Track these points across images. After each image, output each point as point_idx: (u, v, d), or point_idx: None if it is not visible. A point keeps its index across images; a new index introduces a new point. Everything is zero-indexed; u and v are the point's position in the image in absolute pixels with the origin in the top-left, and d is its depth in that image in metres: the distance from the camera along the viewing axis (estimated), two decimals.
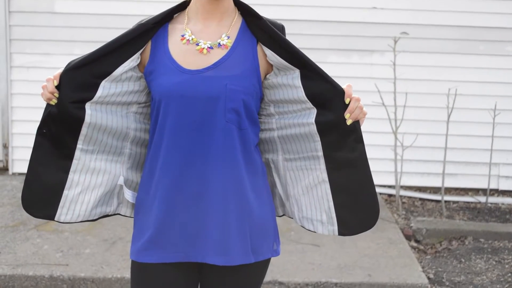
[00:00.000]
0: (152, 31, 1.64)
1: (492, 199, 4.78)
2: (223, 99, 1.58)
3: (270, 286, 3.16)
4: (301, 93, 1.61)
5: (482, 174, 4.83)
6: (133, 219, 1.76)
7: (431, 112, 4.78)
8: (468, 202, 4.77)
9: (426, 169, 4.88)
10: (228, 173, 1.61)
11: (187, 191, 1.61)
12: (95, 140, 1.65)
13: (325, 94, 1.59)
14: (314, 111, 1.61)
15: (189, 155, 1.60)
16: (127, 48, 1.61)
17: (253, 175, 1.65)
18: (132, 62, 1.62)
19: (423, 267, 3.62)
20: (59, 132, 1.62)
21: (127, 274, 3.17)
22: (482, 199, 4.76)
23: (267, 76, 1.66)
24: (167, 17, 1.67)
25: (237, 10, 1.68)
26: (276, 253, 1.72)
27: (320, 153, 1.64)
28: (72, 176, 1.65)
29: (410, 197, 4.83)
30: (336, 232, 1.68)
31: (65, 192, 1.65)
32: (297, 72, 1.61)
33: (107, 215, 1.75)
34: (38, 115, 5.63)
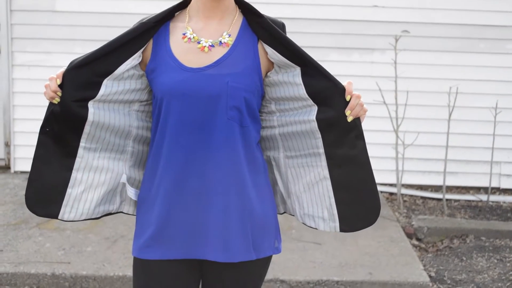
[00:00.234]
0: (153, 29, 1.65)
1: (494, 198, 4.78)
2: (225, 96, 1.58)
3: (272, 284, 3.17)
4: (301, 91, 1.62)
5: (483, 172, 4.83)
6: (135, 217, 1.77)
7: (432, 111, 4.78)
8: (469, 201, 4.77)
9: (428, 168, 4.88)
10: (230, 170, 1.61)
11: (189, 188, 1.62)
12: (97, 138, 1.66)
13: (325, 91, 1.60)
14: (315, 108, 1.62)
15: (191, 153, 1.61)
16: (129, 47, 1.62)
17: (254, 172, 1.66)
18: (134, 60, 1.63)
19: (424, 266, 3.63)
20: (62, 130, 1.63)
21: (129, 272, 3.17)
22: (484, 197, 4.77)
23: (268, 73, 1.67)
24: (169, 15, 1.67)
25: (238, 8, 1.69)
26: (278, 250, 1.72)
27: (321, 150, 1.64)
28: (75, 175, 1.66)
29: (411, 196, 4.83)
30: (338, 229, 1.68)
31: (69, 190, 1.66)
32: (297, 70, 1.62)
33: (110, 213, 1.76)
34: (39, 114, 5.63)
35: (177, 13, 1.71)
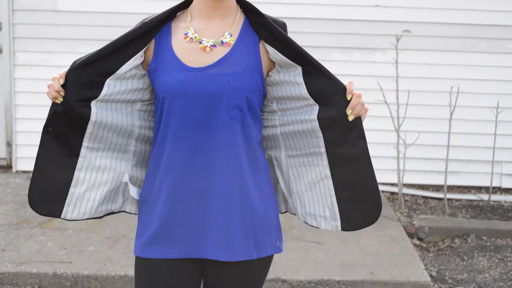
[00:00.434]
0: (155, 29, 1.65)
1: (495, 197, 4.78)
2: (226, 96, 1.59)
3: (273, 284, 3.17)
4: (303, 90, 1.62)
5: (484, 172, 4.83)
6: (136, 216, 1.77)
7: (434, 110, 4.78)
8: (470, 200, 4.77)
9: (429, 167, 4.88)
10: (232, 170, 1.62)
11: (191, 188, 1.62)
12: (100, 137, 1.67)
13: (326, 90, 1.60)
14: (316, 107, 1.63)
15: (193, 152, 1.61)
16: (131, 46, 1.63)
17: (256, 171, 1.66)
18: (136, 60, 1.64)
19: (425, 265, 3.63)
20: (65, 130, 1.64)
21: (130, 272, 3.18)
22: (485, 197, 4.77)
23: (270, 73, 1.68)
24: (171, 15, 1.68)
25: (239, 8, 1.69)
26: (279, 249, 1.73)
27: (323, 149, 1.65)
28: (78, 174, 1.67)
29: (412, 195, 4.83)
30: (339, 228, 1.69)
31: (71, 189, 1.67)
32: (299, 69, 1.62)
33: (113, 212, 1.77)
34: (41, 113, 5.65)
35: (179, 13, 1.71)
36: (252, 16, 1.66)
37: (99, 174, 1.69)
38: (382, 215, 1.67)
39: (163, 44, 1.66)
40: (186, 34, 1.65)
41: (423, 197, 4.81)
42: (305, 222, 1.75)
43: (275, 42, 1.62)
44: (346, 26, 4.73)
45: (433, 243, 4.04)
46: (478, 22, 4.71)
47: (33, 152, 5.35)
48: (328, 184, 1.67)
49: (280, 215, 1.78)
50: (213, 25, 1.66)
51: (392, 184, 4.82)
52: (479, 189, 4.93)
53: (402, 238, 3.81)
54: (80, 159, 1.67)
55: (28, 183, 4.66)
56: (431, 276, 3.47)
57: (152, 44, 1.67)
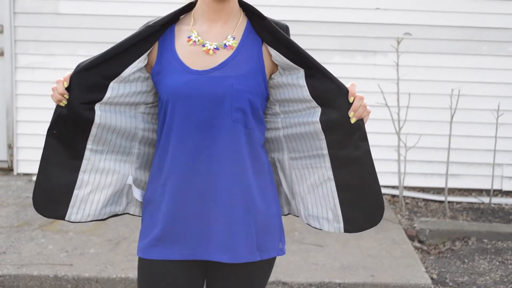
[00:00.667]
0: (159, 32, 1.66)
1: (496, 200, 4.78)
2: (230, 98, 1.60)
3: (274, 286, 3.17)
4: (305, 92, 1.63)
5: (485, 174, 4.83)
6: (138, 218, 1.78)
7: (434, 113, 4.78)
8: (471, 203, 4.77)
9: (430, 170, 4.88)
10: (235, 172, 1.63)
11: (194, 190, 1.63)
12: (104, 140, 1.68)
13: (329, 93, 1.61)
14: (318, 110, 1.63)
15: (196, 154, 1.62)
16: (135, 50, 1.63)
17: (259, 173, 1.67)
18: (139, 63, 1.65)
19: (426, 268, 3.63)
20: (69, 133, 1.65)
21: (131, 274, 3.18)
22: (486, 199, 4.77)
23: (273, 75, 1.68)
24: (174, 18, 1.69)
25: (242, 11, 1.70)
26: (282, 252, 1.73)
27: (325, 151, 1.66)
28: (82, 176, 1.68)
29: (413, 198, 4.83)
30: (342, 230, 1.69)
31: (75, 192, 1.68)
32: (301, 72, 1.63)
33: (116, 215, 1.77)
34: (42, 116, 5.64)
35: (182, 16, 1.72)
36: (255, 19, 1.67)
37: (103, 177, 1.70)
38: (382, 218, 1.68)
39: (166, 47, 1.66)
40: (189, 37, 1.66)
41: (424, 199, 4.81)
42: (308, 224, 1.76)
43: (277, 45, 1.63)
44: (347, 29, 4.74)
45: (434, 245, 4.04)
46: (479, 25, 4.72)
47: (34, 154, 5.35)
48: (330, 186, 1.67)
49: (281, 217, 1.78)
50: (216, 28, 1.67)
51: (393, 187, 4.83)
52: (480, 191, 4.93)
53: (403, 240, 3.81)
54: (84, 162, 1.67)
55: (29, 185, 4.66)
56: (432, 278, 3.47)
57: (155, 47, 1.68)
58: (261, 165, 1.68)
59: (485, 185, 4.84)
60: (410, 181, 4.83)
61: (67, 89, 1.61)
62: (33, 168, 4.86)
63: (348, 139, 1.63)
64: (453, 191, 4.88)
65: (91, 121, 1.63)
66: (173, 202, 1.64)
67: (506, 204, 4.76)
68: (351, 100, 1.60)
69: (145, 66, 1.68)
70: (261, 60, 1.65)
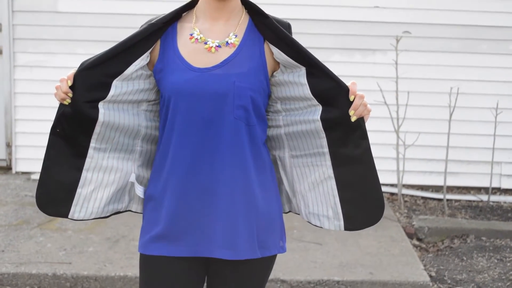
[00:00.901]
0: (161, 30, 1.67)
1: (494, 198, 4.79)
2: (231, 96, 1.60)
3: (273, 284, 3.17)
4: (306, 91, 1.63)
5: (484, 172, 4.84)
6: (137, 216, 1.78)
7: (433, 111, 4.78)
8: (470, 201, 4.77)
9: (428, 168, 4.89)
10: (236, 169, 1.63)
11: (196, 187, 1.64)
12: (107, 138, 1.68)
13: (330, 91, 1.62)
14: (319, 108, 1.64)
15: (198, 152, 1.63)
16: (138, 47, 1.64)
17: (261, 171, 1.67)
18: (142, 61, 1.65)
19: (425, 265, 3.63)
20: (72, 131, 1.65)
21: (130, 272, 3.18)
22: (484, 197, 4.77)
23: (274, 73, 1.69)
24: (176, 16, 1.69)
25: (244, 9, 1.70)
26: (283, 249, 1.74)
27: (326, 150, 1.66)
28: (86, 174, 1.68)
29: (412, 196, 4.84)
30: (342, 227, 1.70)
31: (79, 190, 1.68)
32: (303, 70, 1.63)
33: (119, 212, 1.78)
34: (41, 114, 5.62)
35: (185, 13, 1.73)
36: (257, 17, 1.67)
37: (106, 175, 1.70)
38: None
39: (169, 45, 1.67)
40: (191, 34, 1.67)
41: (422, 197, 4.82)
42: (308, 222, 1.76)
43: (279, 43, 1.63)
44: (346, 27, 4.74)
45: (433, 243, 4.05)
46: (478, 23, 4.72)
47: (33, 153, 5.35)
48: (331, 184, 1.68)
49: (282, 215, 1.79)
50: (218, 26, 1.67)
51: (391, 185, 4.83)
52: (478, 189, 4.94)
53: (402, 238, 3.81)
54: (88, 160, 1.68)
55: (27, 184, 4.66)
56: (430, 276, 3.48)
57: (157, 45, 1.68)
58: (263, 163, 1.68)
59: (484, 183, 4.85)
60: (409, 179, 4.84)
61: (71, 87, 1.61)
62: (32, 166, 4.87)
63: (348, 138, 1.63)
64: (451, 189, 4.89)
65: (95, 119, 1.63)
66: (175, 199, 1.65)
67: (505, 202, 4.76)
68: (351, 98, 1.61)
69: (147, 63, 1.68)
70: (263, 58, 1.65)
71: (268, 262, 1.73)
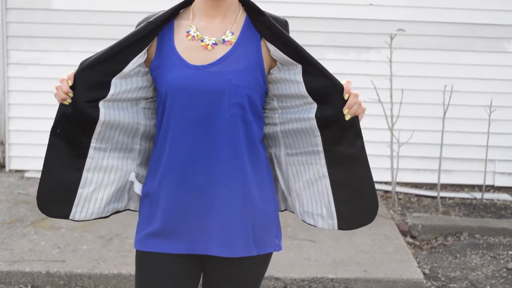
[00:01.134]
0: (158, 27, 1.66)
1: (488, 195, 4.80)
2: (228, 93, 1.60)
3: (267, 282, 3.18)
4: (302, 88, 1.63)
5: (477, 170, 4.85)
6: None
7: (427, 109, 4.79)
8: (463, 198, 4.79)
9: (422, 166, 4.90)
10: (233, 167, 1.63)
11: (192, 184, 1.63)
12: (108, 138, 1.68)
13: (324, 89, 1.62)
14: (314, 106, 1.64)
15: (194, 149, 1.62)
16: (136, 45, 1.63)
17: (257, 169, 1.67)
18: (140, 58, 1.65)
19: (418, 263, 3.64)
20: (73, 131, 1.64)
21: (124, 270, 3.18)
22: (478, 195, 4.79)
23: (271, 70, 1.69)
24: (174, 13, 1.69)
25: (241, 6, 1.70)
26: (278, 247, 1.74)
27: (320, 148, 1.66)
28: (86, 175, 1.68)
29: (406, 193, 4.85)
30: (336, 226, 1.70)
31: (80, 190, 1.68)
32: (299, 68, 1.64)
33: (118, 211, 1.77)
34: (35, 112, 5.60)
35: (182, 11, 1.72)
36: (254, 14, 1.67)
37: (107, 174, 1.70)
38: None
39: (165, 42, 1.67)
40: (188, 32, 1.67)
41: (416, 195, 4.83)
42: (303, 220, 1.76)
43: (276, 41, 1.63)
44: (340, 25, 4.74)
45: (426, 241, 4.06)
46: (472, 21, 4.74)
47: (27, 151, 5.34)
48: (325, 183, 1.68)
49: (278, 213, 1.79)
50: (215, 24, 1.67)
51: (385, 183, 4.84)
52: (472, 187, 4.96)
53: (395, 236, 3.82)
54: (88, 160, 1.67)
55: (21, 182, 4.65)
56: (424, 273, 3.49)
57: (154, 42, 1.68)
58: (259, 160, 1.68)
59: (478, 180, 4.87)
60: (402, 177, 4.85)
61: (71, 87, 1.60)
62: (25, 164, 4.85)
63: (343, 136, 1.63)
64: (445, 186, 4.91)
65: (95, 119, 1.63)
66: (172, 196, 1.65)
67: (498, 200, 4.78)
68: (346, 97, 1.61)
69: (144, 61, 1.68)
70: (259, 55, 1.65)
71: (263, 260, 1.73)
